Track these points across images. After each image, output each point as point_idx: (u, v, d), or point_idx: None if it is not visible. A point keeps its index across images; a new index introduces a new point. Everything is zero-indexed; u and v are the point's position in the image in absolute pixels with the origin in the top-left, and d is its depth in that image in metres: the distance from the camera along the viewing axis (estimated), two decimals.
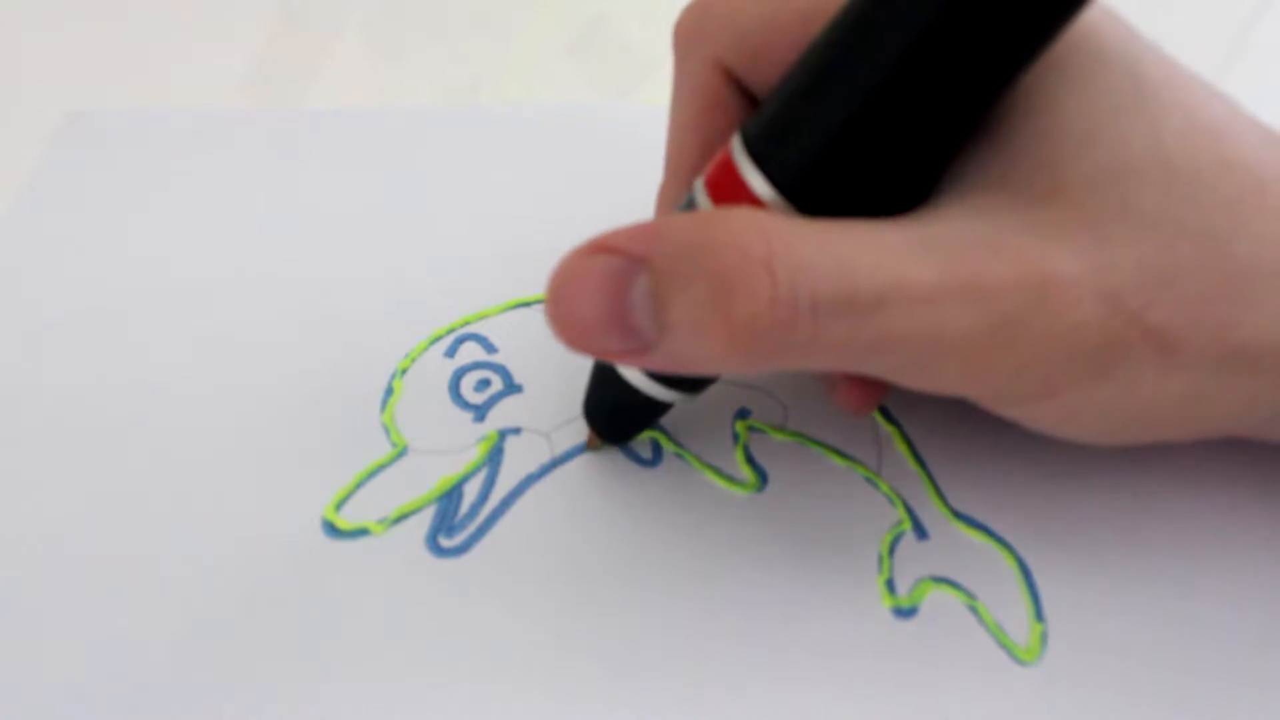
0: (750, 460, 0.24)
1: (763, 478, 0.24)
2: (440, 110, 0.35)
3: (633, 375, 0.22)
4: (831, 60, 0.18)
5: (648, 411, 0.23)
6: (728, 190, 0.19)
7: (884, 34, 0.17)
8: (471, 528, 0.23)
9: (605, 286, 0.18)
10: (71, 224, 0.30)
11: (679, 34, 0.23)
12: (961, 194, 0.19)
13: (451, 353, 0.26)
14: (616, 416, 0.23)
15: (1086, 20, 0.19)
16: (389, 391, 0.25)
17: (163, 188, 0.31)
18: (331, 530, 0.23)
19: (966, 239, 0.18)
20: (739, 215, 0.17)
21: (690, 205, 0.20)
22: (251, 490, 0.23)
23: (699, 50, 0.22)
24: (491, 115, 0.34)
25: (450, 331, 0.27)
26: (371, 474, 0.24)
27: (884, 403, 0.25)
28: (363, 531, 0.23)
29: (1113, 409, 0.19)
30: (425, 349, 0.26)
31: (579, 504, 0.23)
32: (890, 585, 0.22)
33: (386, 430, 0.25)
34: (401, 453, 0.24)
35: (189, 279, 0.28)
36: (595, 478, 0.24)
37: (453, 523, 0.23)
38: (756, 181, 0.18)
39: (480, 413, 0.25)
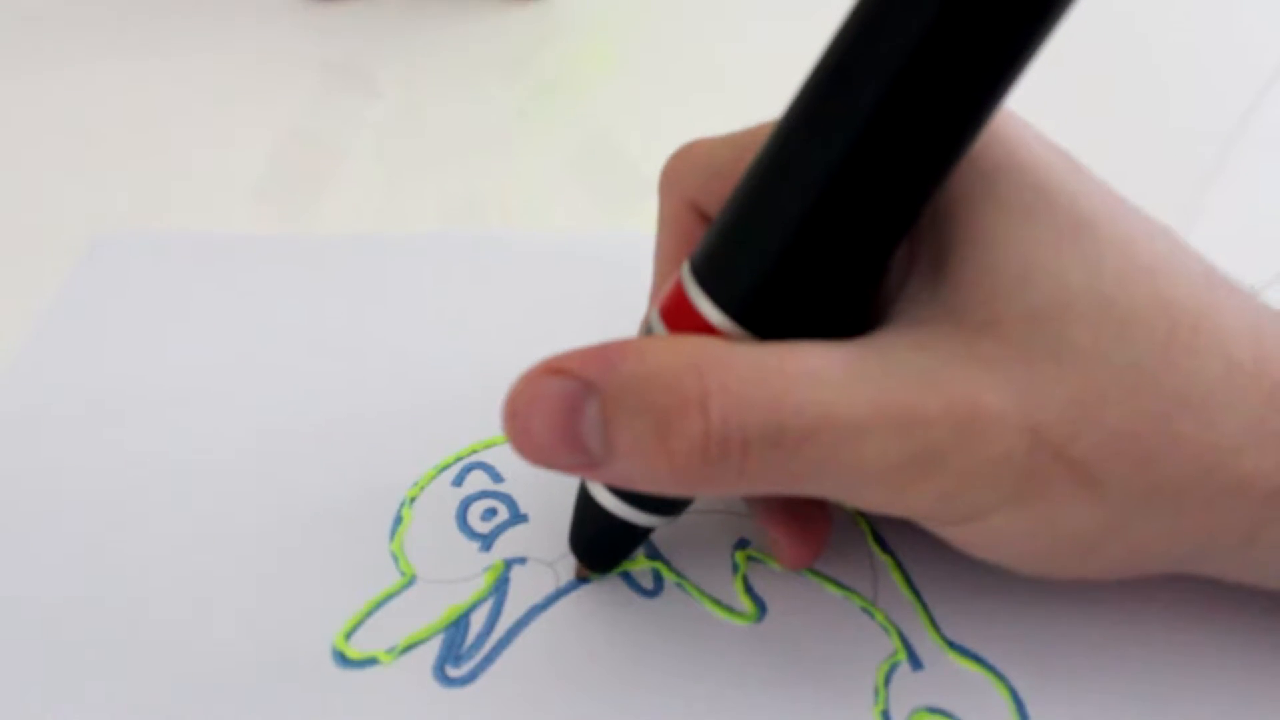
0: (749, 590, 0.25)
1: (761, 608, 0.24)
2: (448, 236, 0.36)
3: (609, 501, 0.23)
4: (759, 188, 0.19)
5: (628, 537, 0.24)
6: (680, 316, 0.20)
7: (804, 161, 0.18)
8: (478, 657, 0.23)
9: (558, 408, 0.19)
10: (94, 346, 0.31)
11: (662, 176, 0.25)
12: (904, 325, 0.20)
13: (459, 481, 0.27)
14: (599, 543, 0.24)
15: (1029, 155, 0.20)
16: (398, 520, 0.26)
17: (179, 312, 0.32)
18: (341, 660, 0.23)
19: (902, 370, 0.19)
20: (682, 348, 0.19)
21: (649, 330, 0.21)
22: (262, 618, 0.24)
23: (675, 190, 0.24)
24: (499, 242, 0.35)
25: (458, 460, 0.28)
26: (381, 603, 0.24)
27: (879, 532, 0.26)
28: (372, 661, 0.23)
29: (1037, 538, 0.19)
30: (434, 477, 0.27)
31: (582, 633, 0.24)
32: (886, 716, 0.22)
33: (395, 559, 0.25)
34: (410, 582, 0.25)
35: (202, 405, 0.29)
36: (598, 607, 0.24)
37: (459, 652, 0.23)
38: (705, 307, 0.19)
39: (487, 542, 0.26)
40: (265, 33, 0.50)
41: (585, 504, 0.23)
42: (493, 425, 0.28)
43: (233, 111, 0.44)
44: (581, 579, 0.25)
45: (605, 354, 0.19)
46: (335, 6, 0.51)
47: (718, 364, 0.18)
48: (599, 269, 0.34)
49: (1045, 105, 0.43)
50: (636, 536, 0.24)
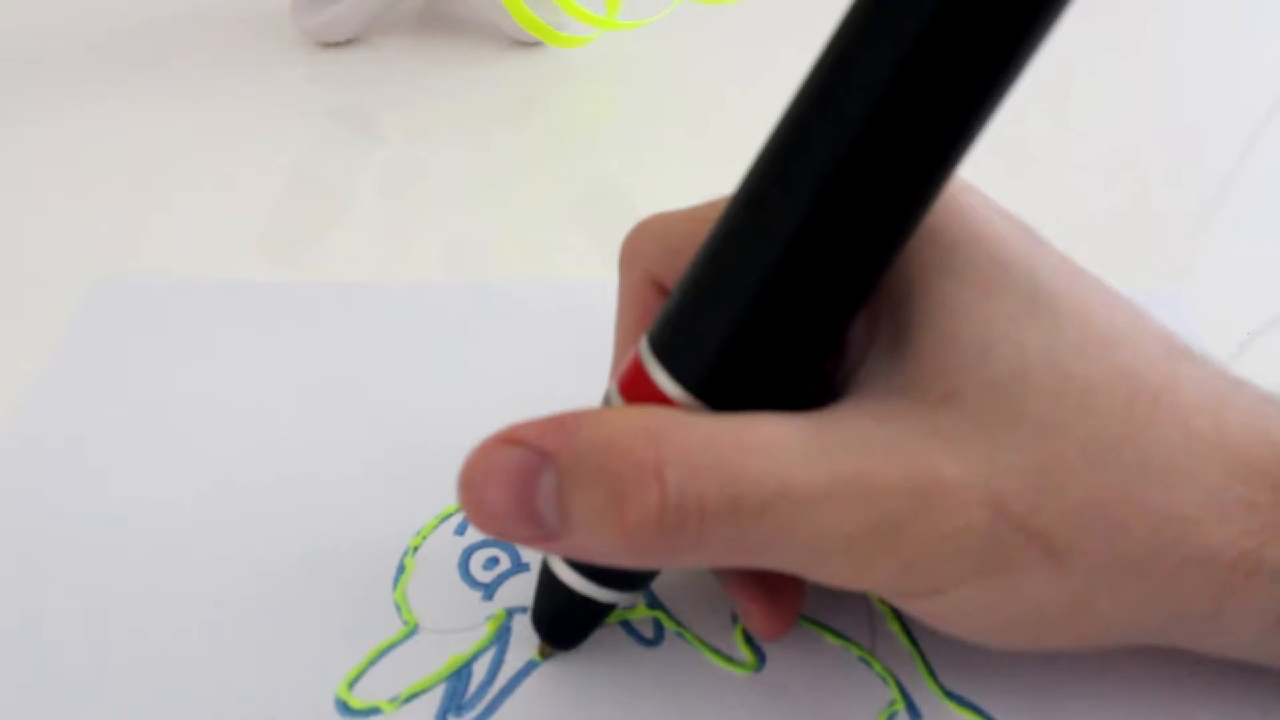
0: (749, 640, 0.25)
1: (761, 658, 0.25)
2: (451, 283, 0.36)
3: (570, 577, 0.22)
4: (713, 263, 0.19)
5: (590, 614, 0.24)
6: (638, 390, 0.20)
7: (756, 236, 0.18)
8: (480, 707, 0.24)
9: (513, 479, 0.19)
10: (96, 393, 0.31)
11: (621, 251, 0.25)
12: (863, 398, 0.20)
13: (461, 530, 0.27)
14: (561, 620, 0.24)
15: (987, 227, 0.20)
16: (401, 569, 0.26)
17: (181, 358, 0.33)
18: (344, 709, 0.23)
19: (861, 442, 0.19)
20: (639, 418, 0.19)
21: (607, 402, 0.21)
22: (264, 667, 0.24)
23: (634, 265, 0.24)
24: (502, 289, 0.36)
25: (460, 509, 0.28)
26: (383, 652, 0.25)
27: None
28: (374, 710, 0.23)
29: (1001, 610, 0.19)
30: (436, 526, 0.27)
31: (584, 683, 0.24)
32: None
33: (398, 608, 0.25)
34: (413, 631, 0.25)
35: (204, 453, 0.29)
36: (599, 657, 0.25)
37: (461, 701, 0.24)
38: (663, 380, 0.20)
39: (489, 591, 0.26)
40: (270, 78, 0.50)
41: (547, 580, 0.23)
42: None
43: (236, 157, 0.45)
44: (545, 656, 0.24)
45: (561, 424, 0.19)
46: (340, 53, 0.52)
47: (674, 434, 0.18)
48: (603, 315, 0.35)
49: (1036, 149, 0.44)
50: (599, 613, 0.24)
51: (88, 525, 0.27)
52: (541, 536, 0.19)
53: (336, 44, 0.52)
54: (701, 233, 0.19)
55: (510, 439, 0.19)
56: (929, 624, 0.21)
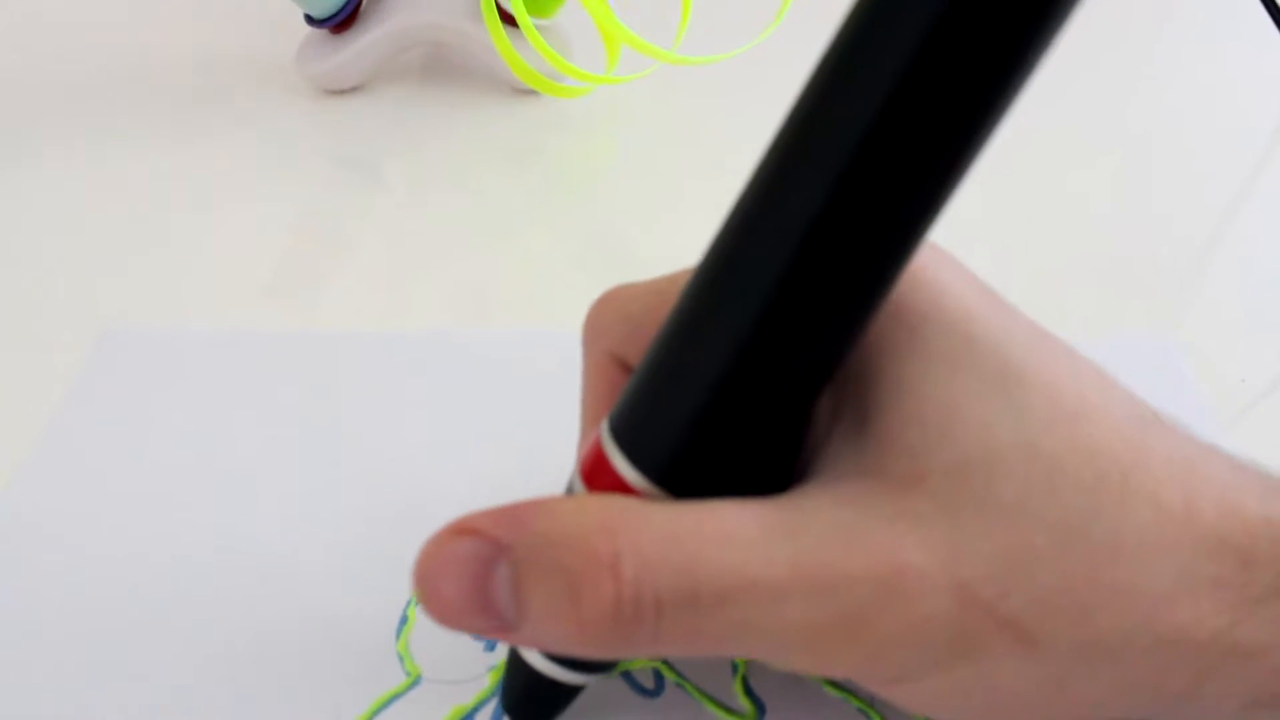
0: (749, 691, 0.25)
1: (760, 708, 0.25)
2: (456, 333, 0.37)
3: (536, 660, 0.22)
4: (672, 346, 0.19)
5: (558, 695, 0.23)
6: (599, 475, 0.20)
7: (716, 317, 0.18)
8: None
9: (468, 571, 0.19)
10: (102, 443, 0.32)
11: (584, 327, 0.24)
12: (827, 480, 0.19)
13: None
14: (529, 701, 0.24)
15: (953, 301, 0.20)
16: (403, 620, 0.27)
17: (186, 408, 0.33)
18: None
19: (824, 529, 0.18)
20: (595, 509, 0.19)
21: (570, 489, 0.21)
22: (269, 718, 0.24)
23: (598, 342, 0.24)
24: (508, 339, 0.36)
25: None
26: (387, 703, 0.25)
27: None
28: None
29: (974, 695, 0.19)
30: None
31: None
32: None
33: (401, 659, 0.26)
34: (415, 682, 0.25)
35: (209, 503, 0.30)
36: (600, 707, 0.25)
37: None
38: (622, 466, 0.19)
39: (491, 642, 0.26)
40: (275, 124, 0.51)
41: (514, 661, 0.23)
42: None
43: (242, 202, 0.45)
44: None
45: (516, 514, 0.19)
46: (344, 100, 0.52)
47: (631, 525, 0.18)
48: None
49: (1029, 191, 0.44)
50: (566, 695, 0.24)
51: (93, 576, 0.28)
52: (498, 628, 0.19)
53: (341, 91, 0.53)
54: (664, 308, 0.19)
55: (465, 529, 0.19)
56: (903, 708, 0.20)
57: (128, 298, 0.40)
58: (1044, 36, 0.15)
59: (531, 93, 0.52)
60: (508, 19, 0.48)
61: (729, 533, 0.18)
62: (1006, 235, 0.43)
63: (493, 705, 0.25)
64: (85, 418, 0.33)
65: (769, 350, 0.18)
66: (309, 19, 0.51)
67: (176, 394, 0.34)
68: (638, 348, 0.21)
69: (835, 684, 0.25)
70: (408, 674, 0.25)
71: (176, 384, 0.34)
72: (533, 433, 0.32)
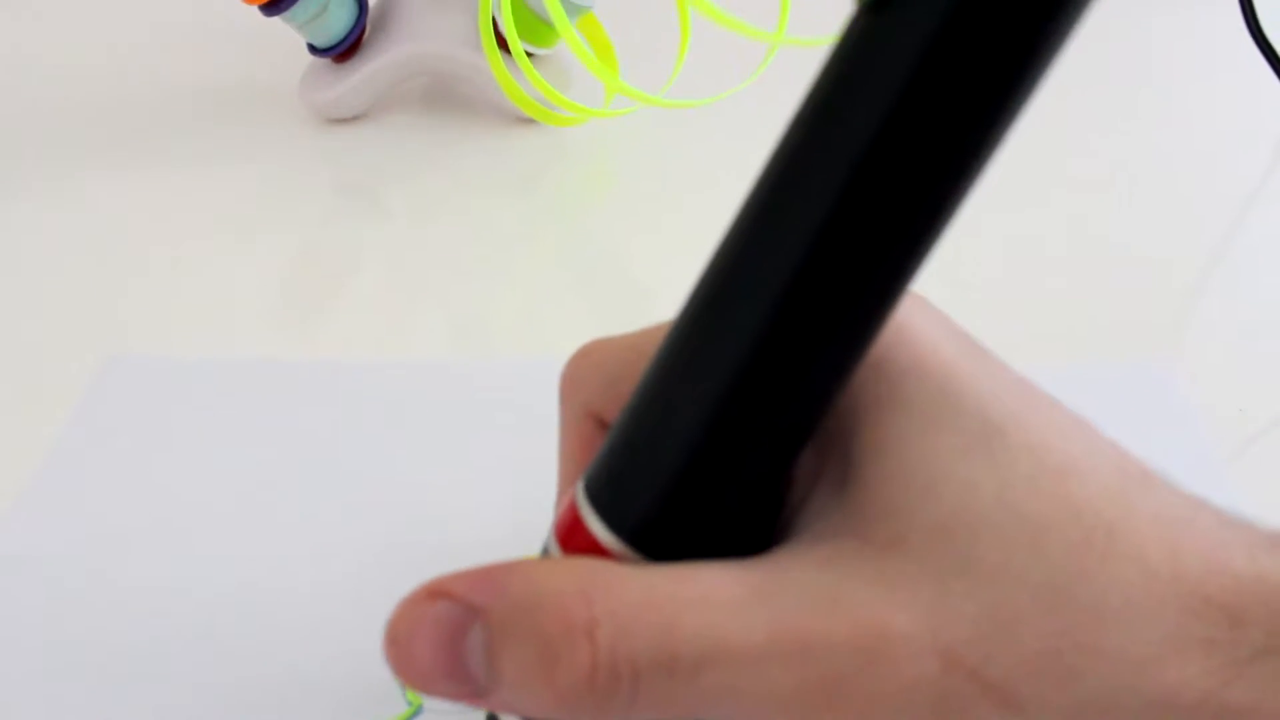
0: None
1: None
2: (456, 362, 0.37)
3: None
4: (648, 407, 0.18)
5: None
6: (574, 537, 0.19)
7: (692, 378, 0.18)
8: None
9: (441, 635, 0.18)
10: (105, 474, 0.32)
11: (561, 382, 0.24)
12: (808, 541, 0.19)
13: None
14: None
15: (935, 357, 0.19)
16: None
17: (190, 438, 0.33)
18: None
19: (804, 592, 0.18)
20: (571, 573, 0.18)
21: (546, 551, 0.21)
22: None
23: (575, 398, 0.24)
24: (507, 368, 0.36)
25: None
26: None
27: None
28: None
29: None
30: None
31: None
32: None
33: (403, 688, 0.26)
34: (417, 711, 0.25)
35: (214, 536, 0.30)
36: None
37: None
38: (598, 529, 0.19)
39: None
40: (279, 153, 0.51)
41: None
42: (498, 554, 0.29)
43: (246, 229, 0.46)
44: None
45: (491, 577, 0.18)
46: (347, 129, 0.53)
47: (607, 589, 0.18)
48: None
49: (1029, 219, 0.44)
50: None
51: (93, 605, 0.28)
52: (471, 694, 0.19)
53: (344, 120, 0.53)
54: (640, 364, 0.19)
55: (438, 592, 0.19)
56: None
57: (130, 325, 0.40)
58: (1022, 94, 0.15)
59: (532, 121, 0.53)
60: (506, 48, 0.49)
61: (707, 597, 0.18)
62: (1005, 266, 0.44)
63: None
64: (87, 446, 0.33)
65: (745, 412, 0.17)
66: (312, 48, 0.51)
67: (178, 423, 0.34)
68: (615, 405, 0.21)
69: None
70: (409, 704, 0.25)
71: (178, 413, 0.34)
72: (533, 463, 0.32)
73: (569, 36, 0.44)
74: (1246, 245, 0.46)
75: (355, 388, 0.35)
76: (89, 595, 0.28)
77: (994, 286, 0.42)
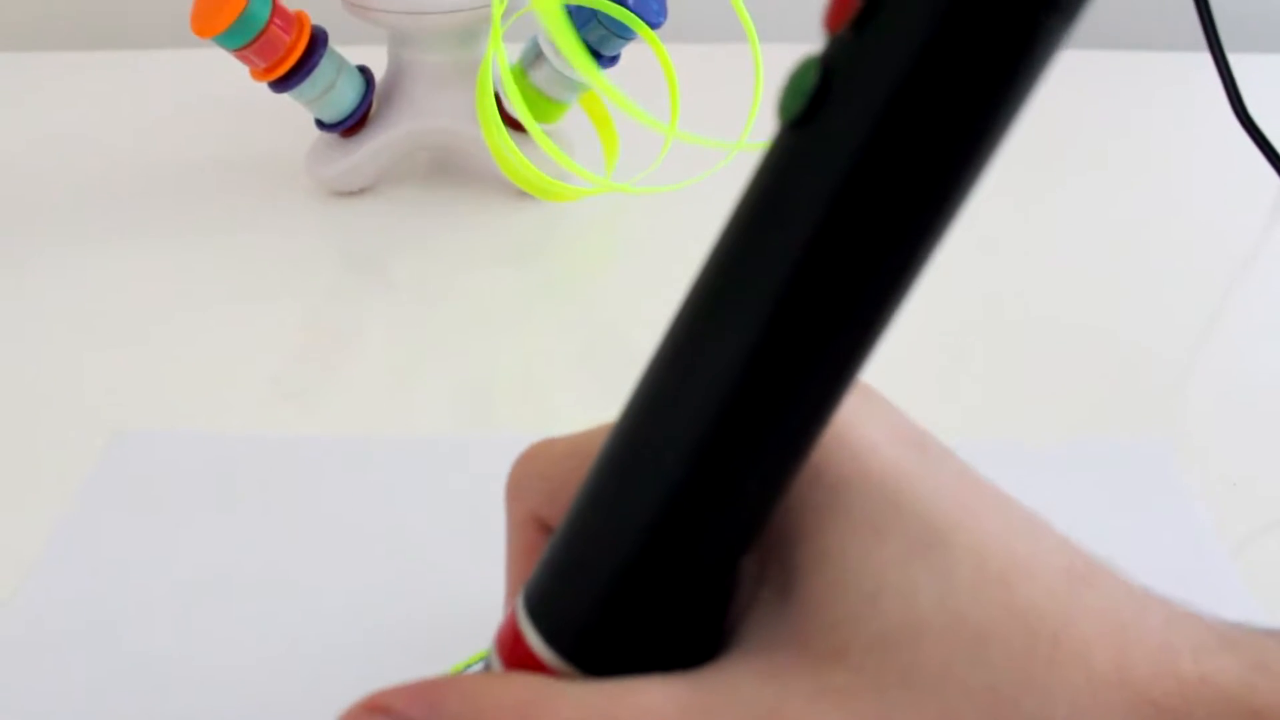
0: None
1: None
2: (459, 439, 0.37)
3: None
4: (584, 520, 0.18)
5: None
6: (514, 650, 0.19)
7: (629, 491, 0.17)
8: None
9: None
10: (111, 550, 0.32)
11: (506, 487, 0.24)
12: (750, 650, 0.19)
13: None
14: None
15: (878, 462, 0.19)
16: None
17: (195, 515, 0.34)
18: None
19: (743, 708, 0.18)
20: (508, 690, 0.18)
21: (487, 665, 0.21)
22: None
23: (519, 504, 0.23)
24: (510, 444, 0.37)
25: (469, 666, 0.28)
26: None
27: None
28: None
29: None
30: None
31: None
32: None
33: None
34: None
35: (217, 607, 0.30)
36: None
37: None
38: (536, 644, 0.19)
39: None
40: (285, 225, 0.52)
41: None
42: None
43: (252, 301, 0.46)
44: None
45: (431, 693, 0.19)
46: (353, 202, 0.53)
47: (545, 707, 0.18)
48: None
49: (1017, 293, 0.45)
50: None
51: (101, 686, 0.28)
52: None
53: (349, 193, 0.54)
54: (583, 469, 0.19)
55: (377, 707, 0.19)
56: None
57: (135, 399, 0.40)
58: (944, 209, 0.15)
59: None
60: (515, 125, 0.50)
61: (646, 712, 0.18)
62: (1000, 339, 0.44)
63: None
64: (93, 523, 0.33)
65: (679, 527, 0.17)
66: (319, 123, 0.52)
67: (185, 502, 0.34)
68: (559, 510, 0.20)
69: None
70: None
71: (181, 489, 0.35)
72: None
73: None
74: (1234, 323, 0.46)
75: (366, 461, 0.36)
76: (95, 674, 0.28)
77: (988, 360, 0.42)
